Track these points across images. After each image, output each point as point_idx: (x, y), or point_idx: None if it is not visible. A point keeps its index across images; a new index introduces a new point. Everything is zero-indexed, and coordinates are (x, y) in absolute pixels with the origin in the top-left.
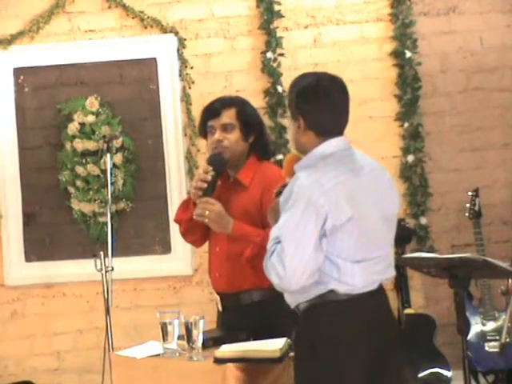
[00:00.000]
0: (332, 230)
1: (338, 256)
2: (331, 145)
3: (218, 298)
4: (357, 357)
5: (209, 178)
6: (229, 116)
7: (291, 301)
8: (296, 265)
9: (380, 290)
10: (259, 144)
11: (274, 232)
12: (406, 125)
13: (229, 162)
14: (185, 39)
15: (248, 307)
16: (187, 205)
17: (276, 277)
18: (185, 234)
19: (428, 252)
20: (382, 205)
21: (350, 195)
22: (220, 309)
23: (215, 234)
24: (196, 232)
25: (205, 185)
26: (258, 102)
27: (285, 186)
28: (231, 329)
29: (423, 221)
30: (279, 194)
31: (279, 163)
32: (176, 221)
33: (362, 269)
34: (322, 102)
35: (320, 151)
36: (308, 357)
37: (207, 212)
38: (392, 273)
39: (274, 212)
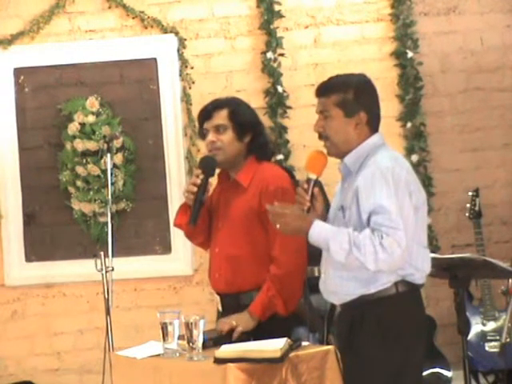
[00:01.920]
0: (414, 210)
1: (413, 239)
2: (378, 137)
3: (217, 298)
4: (420, 347)
5: (198, 181)
6: (220, 117)
7: (353, 291)
8: (406, 239)
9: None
10: (256, 144)
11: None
12: (409, 125)
13: (222, 164)
14: (185, 39)
15: (246, 308)
16: (185, 209)
17: (388, 255)
18: (190, 238)
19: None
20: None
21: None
22: (220, 309)
23: (215, 234)
24: (198, 236)
25: (195, 188)
26: (258, 102)
27: (314, 181)
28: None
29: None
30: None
31: (279, 163)
32: (176, 225)
33: (429, 254)
34: (376, 98)
35: (374, 142)
36: (379, 347)
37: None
38: None
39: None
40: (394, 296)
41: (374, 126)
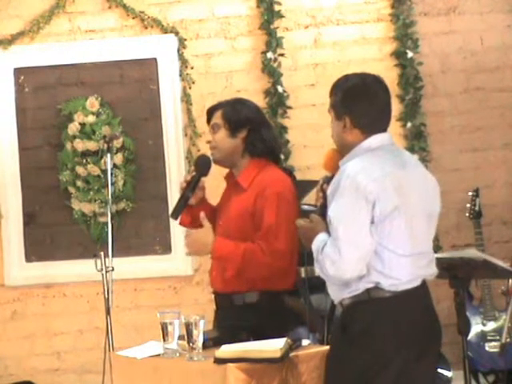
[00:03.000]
0: (380, 218)
1: (385, 247)
2: (377, 139)
3: (212, 296)
4: (398, 355)
5: (188, 178)
6: (216, 117)
7: (336, 295)
8: (352, 251)
9: (423, 286)
10: (252, 139)
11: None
12: (409, 125)
13: (219, 162)
14: (185, 39)
15: (240, 308)
16: (187, 208)
17: (331, 265)
18: None
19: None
20: (426, 201)
21: (397, 186)
22: (215, 308)
23: (216, 233)
24: None
25: (184, 184)
26: (258, 102)
27: (327, 179)
28: (225, 328)
29: None
30: (323, 186)
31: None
32: (180, 225)
33: (407, 262)
34: (367, 101)
35: (366, 145)
36: (345, 350)
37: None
38: (434, 269)
39: (304, 230)
40: (368, 301)
41: (368, 129)
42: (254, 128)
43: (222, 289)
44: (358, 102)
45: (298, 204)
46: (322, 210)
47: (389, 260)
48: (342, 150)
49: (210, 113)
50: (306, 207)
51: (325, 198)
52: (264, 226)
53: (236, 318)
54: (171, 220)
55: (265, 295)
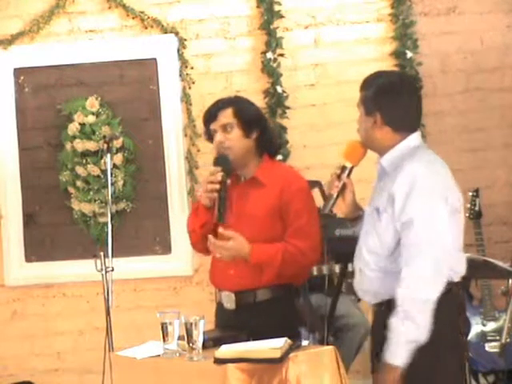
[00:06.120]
0: (451, 214)
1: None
2: (416, 138)
3: (225, 295)
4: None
5: (219, 178)
6: (226, 116)
7: (391, 291)
8: (440, 251)
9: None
10: (264, 139)
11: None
12: None
13: (235, 162)
14: (185, 39)
15: (261, 304)
16: (196, 212)
17: (432, 274)
18: (195, 245)
19: None
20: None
21: (454, 182)
22: (231, 307)
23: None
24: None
25: (217, 186)
26: (257, 102)
27: (345, 169)
28: (242, 328)
29: None
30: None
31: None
32: (189, 232)
33: (463, 257)
34: (400, 99)
35: (409, 144)
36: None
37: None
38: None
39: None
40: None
41: (399, 127)
42: (264, 128)
43: (241, 286)
44: (391, 100)
45: None
46: (335, 201)
47: (454, 256)
48: (369, 145)
49: (215, 112)
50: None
51: (342, 187)
52: (297, 224)
53: (256, 315)
54: (171, 220)
55: (281, 290)
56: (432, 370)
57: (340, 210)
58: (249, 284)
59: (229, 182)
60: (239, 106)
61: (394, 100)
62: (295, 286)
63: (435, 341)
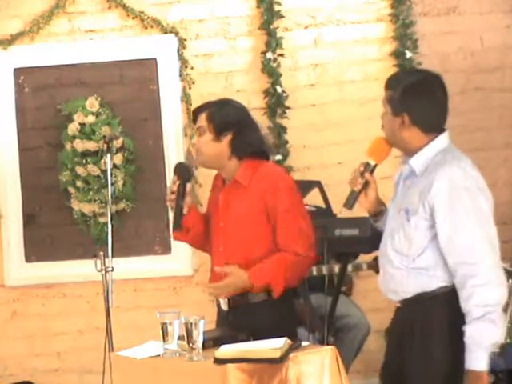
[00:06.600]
0: (491, 212)
1: None
2: (445, 139)
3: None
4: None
5: (175, 188)
6: (201, 119)
7: (415, 289)
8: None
9: None
10: (239, 142)
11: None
12: None
13: (203, 166)
14: (185, 39)
15: (255, 306)
16: None
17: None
18: (191, 245)
19: None
20: None
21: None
22: (225, 308)
23: (216, 234)
24: (200, 239)
25: (173, 196)
26: (257, 102)
27: (369, 166)
28: (237, 328)
29: None
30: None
31: (278, 163)
32: (175, 239)
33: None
34: (428, 99)
35: (439, 145)
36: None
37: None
38: None
39: None
40: (451, 292)
41: (427, 127)
42: (239, 131)
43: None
44: (419, 100)
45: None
46: (357, 197)
47: None
48: (396, 145)
49: (196, 114)
50: (305, 207)
51: (364, 184)
52: (288, 224)
53: (250, 316)
54: (171, 221)
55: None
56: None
57: (362, 205)
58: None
59: (188, 188)
60: (214, 109)
61: (421, 100)
62: (292, 286)
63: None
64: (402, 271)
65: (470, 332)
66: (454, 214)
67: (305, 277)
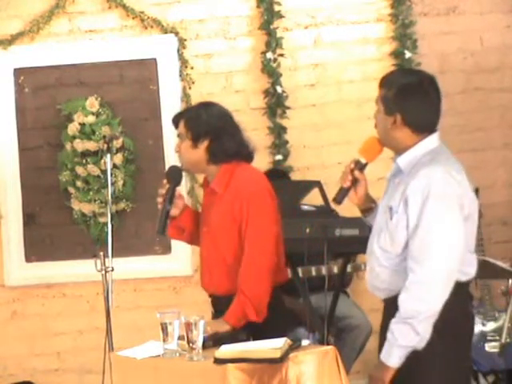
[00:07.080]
0: (465, 220)
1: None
2: (434, 140)
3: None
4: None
5: (163, 191)
6: (180, 126)
7: (399, 287)
8: (454, 255)
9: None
10: (214, 148)
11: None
12: None
13: (185, 171)
14: (185, 39)
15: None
16: (172, 220)
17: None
18: (187, 243)
19: None
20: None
21: (469, 185)
22: (212, 310)
23: (203, 238)
24: (195, 240)
25: (161, 199)
26: (257, 102)
27: (359, 164)
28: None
29: None
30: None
31: (278, 163)
32: (171, 237)
33: (474, 259)
34: (422, 100)
35: (427, 146)
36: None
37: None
38: None
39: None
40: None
41: (419, 128)
42: (216, 137)
43: (217, 291)
44: (413, 101)
45: (274, 196)
46: (346, 193)
47: (464, 257)
48: (387, 144)
49: (176, 121)
50: (306, 207)
51: (352, 181)
52: (247, 233)
53: None
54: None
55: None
56: (435, 370)
57: (352, 201)
58: (224, 290)
59: (177, 192)
60: (190, 116)
61: (415, 101)
62: (280, 284)
63: (441, 338)
64: (387, 269)
65: (392, 327)
66: (424, 210)
67: (278, 276)
